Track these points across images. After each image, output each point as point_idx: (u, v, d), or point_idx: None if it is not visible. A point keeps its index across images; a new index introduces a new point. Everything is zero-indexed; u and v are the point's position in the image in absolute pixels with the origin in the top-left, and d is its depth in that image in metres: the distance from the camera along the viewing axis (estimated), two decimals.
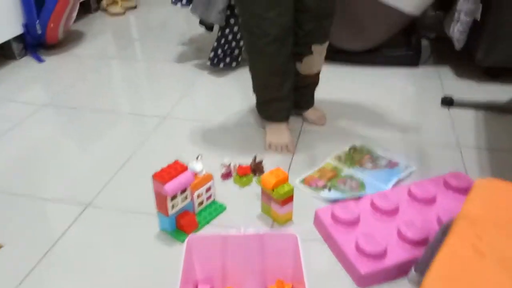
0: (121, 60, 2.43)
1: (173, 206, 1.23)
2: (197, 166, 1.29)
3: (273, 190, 1.23)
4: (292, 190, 1.24)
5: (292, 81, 1.57)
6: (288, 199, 1.24)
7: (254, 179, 1.46)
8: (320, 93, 1.77)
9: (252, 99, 1.68)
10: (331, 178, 1.43)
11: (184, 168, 1.21)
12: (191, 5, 2.06)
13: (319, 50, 1.59)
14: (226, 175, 1.51)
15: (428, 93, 1.98)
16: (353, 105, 1.91)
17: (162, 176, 1.17)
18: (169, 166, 1.21)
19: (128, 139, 1.70)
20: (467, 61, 2.07)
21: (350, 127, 1.74)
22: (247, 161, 1.48)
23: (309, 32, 1.53)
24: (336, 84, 2.04)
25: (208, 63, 2.14)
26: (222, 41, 2.08)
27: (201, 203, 1.35)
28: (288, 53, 1.49)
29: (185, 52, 2.43)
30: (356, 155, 1.56)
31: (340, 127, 1.74)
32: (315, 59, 1.60)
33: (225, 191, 1.43)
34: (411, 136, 1.68)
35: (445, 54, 2.25)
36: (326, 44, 1.60)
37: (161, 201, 1.21)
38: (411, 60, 2.21)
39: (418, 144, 1.64)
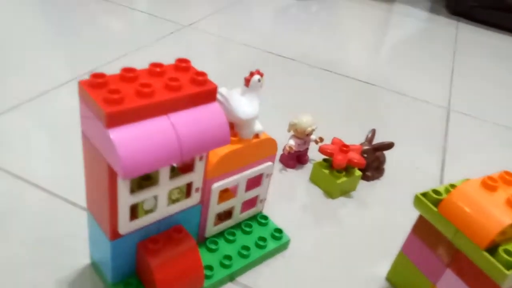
0: None
1: (139, 210, 0.37)
2: (247, 103, 0.42)
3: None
4: None
5: None
6: None
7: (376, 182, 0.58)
8: None
9: None
10: None
11: (202, 86, 0.34)
12: None
13: None
14: (297, 159, 0.63)
15: None
16: None
17: (111, 97, 0.30)
18: (155, 68, 0.34)
19: None
20: None
21: None
22: (346, 133, 0.59)
23: None
24: None
25: None
26: None
27: (225, 214, 0.49)
28: None
29: None
30: None
31: None
32: None
33: (288, 192, 0.57)
34: None
35: None
36: None
37: (98, 184, 0.35)
38: None
39: None
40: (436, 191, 0.40)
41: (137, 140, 0.31)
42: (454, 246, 0.38)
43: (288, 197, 0.58)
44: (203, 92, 0.34)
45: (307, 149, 0.64)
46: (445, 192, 0.40)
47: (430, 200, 0.39)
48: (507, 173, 0.38)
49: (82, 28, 0.96)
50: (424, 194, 0.40)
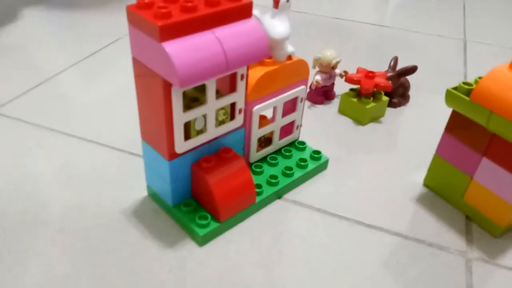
0: None
1: (191, 130, 0.40)
2: (279, 23, 0.44)
3: None
4: None
5: None
6: None
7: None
8: None
9: None
10: None
11: (238, 1, 0.37)
12: None
13: None
14: (324, 94, 0.66)
15: None
16: None
17: (160, 12, 0.33)
18: None
19: None
20: None
21: None
22: (373, 63, 0.61)
23: None
24: None
25: None
26: None
27: (266, 141, 0.52)
28: None
29: None
30: None
31: None
32: None
33: (319, 125, 0.59)
34: None
35: None
36: None
37: (153, 107, 0.38)
38: None
39: None
40: (466, 83, 0.42)
41: (189, 51, 0.34)
42: (488, 132, 0.41)
43: (320, 128, 0.61)
44: (240, 7, 0.37)
45: (333, 84, 0.66)
46: (475, 83, 0.42)
47: (462, 92, 0.42)
48: None
49: None
50: (455, 88, 0.42)
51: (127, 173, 0.51)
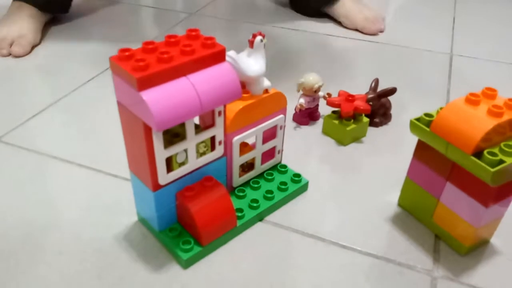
0: None
1: (173, 163, 0.44)
2: (254, 62, 0.48)
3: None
4: None
5: None
6: None
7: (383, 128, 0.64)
8: None
9: None
10: None
11: (212, 49, 0.40)
12: None
13: None
14: (309, 116, 0.69)
15: None
16: None
17: (138, 65, 0.36)
18: (170, 39, 0.40)
19: None
20: None
21: None
22: (351, 87, 0.64)
23: None
24: None
25: None
26: None
27: (248, 166, 0.55)
28: None
29: None
30: None
31: None
32: None
33: (303, 146, 0.63)
34: None
35: None
36: None
37: (137, 144, 0.42)
38: None
39: None
40: (428, 114, 0.45)
41: (165, 98, 0.37)
42: (448, 160, 0.44)
43: (304, 149, 0.64)
44: (214, 54, 0.41)
45: (317, 105, 0.70)
46: (436, 114, 0.45)
47: (423, 123, 0.45)
48: (488, 88, 0.43)
49: None
50: (418, 119, 0.45)
51: (120, 198, 0.55)
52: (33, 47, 0.90)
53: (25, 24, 0.90)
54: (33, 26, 0.91)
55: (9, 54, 0.88)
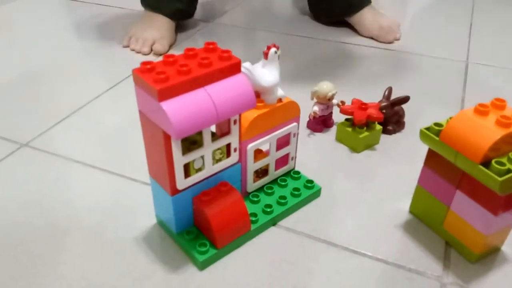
0: None
1: (190, 169, 0.46)
2: (268, 73, 0.50)
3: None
4: None
5: None
6: None
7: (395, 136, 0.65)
8: None
9: None
10: None
11: (228, 61, 0.42)
12: None
13: None
14: (323, 123, 0.71)
15: None
16: None
17: (159, 77, 0.39)
18: (189, 52, 0.43)
19: None
20: None
21: None
22: (365, 96, 0.65)
23: None
24: None
25: None
26: None
27: (262, 172, 0.57)
28: None
29: None
30: None
31: None
32: None
33: (317, 153, 0.64)
34: None
35: None
36: None
37: (156, 151, 0.44)
38: None
39: None
40: (437, 124, 0.46)
41: (183, 108, 0.39)
42: (458, 168, 0.45)
43: (317, 156, 0.66)
44: (230, 66, 0.43)
45: (331, 113, 0.71)
46: (445, 124, 0.46)
47: (433, 132, 0.46)
48: (497, 99, 0.44)
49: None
50: (428, 128, 0.47)
51: (140, 202, 0.57)
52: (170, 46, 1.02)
53: (163, 28, 1.02)
54: (169, 29, 1.03)
55: (151, 52, 0.99)
